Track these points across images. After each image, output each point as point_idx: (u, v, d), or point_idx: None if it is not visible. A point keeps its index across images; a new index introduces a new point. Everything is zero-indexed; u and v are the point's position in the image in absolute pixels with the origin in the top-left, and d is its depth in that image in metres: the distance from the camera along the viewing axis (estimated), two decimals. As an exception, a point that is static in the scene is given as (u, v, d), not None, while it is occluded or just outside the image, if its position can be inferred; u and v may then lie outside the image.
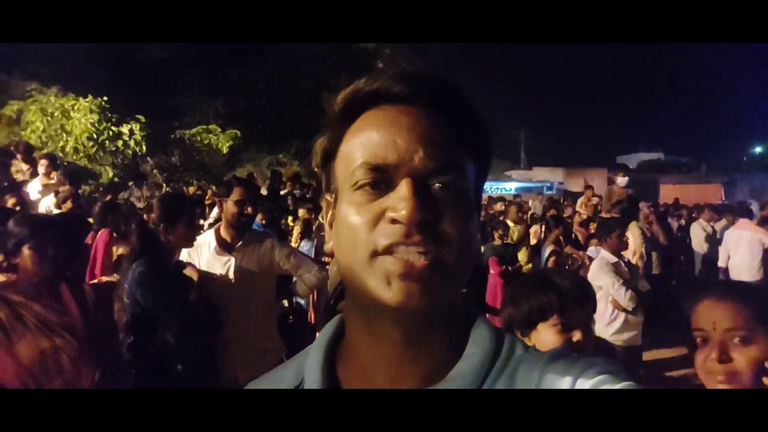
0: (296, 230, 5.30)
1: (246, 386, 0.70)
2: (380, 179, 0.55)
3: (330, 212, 0.64)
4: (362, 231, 0.55)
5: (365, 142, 0.57)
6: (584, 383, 0.55)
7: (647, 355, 4.98)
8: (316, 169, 0.66)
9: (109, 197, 6.18)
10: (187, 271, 2.68)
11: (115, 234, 4.01)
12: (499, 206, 9.87)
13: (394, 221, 0.53)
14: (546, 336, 1.51)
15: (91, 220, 4.21)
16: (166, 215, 2.63)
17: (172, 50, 13.15)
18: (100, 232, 4.06)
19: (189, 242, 2.73)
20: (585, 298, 1.55)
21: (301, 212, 5.33)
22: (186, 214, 2.66)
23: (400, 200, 0.53)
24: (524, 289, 1.59)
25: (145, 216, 2.96)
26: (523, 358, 0.60)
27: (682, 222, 9.58)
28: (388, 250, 0.53)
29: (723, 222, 8.62)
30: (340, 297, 3.24)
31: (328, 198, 0.64)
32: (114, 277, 3.15)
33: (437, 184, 0.55)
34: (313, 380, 0.62)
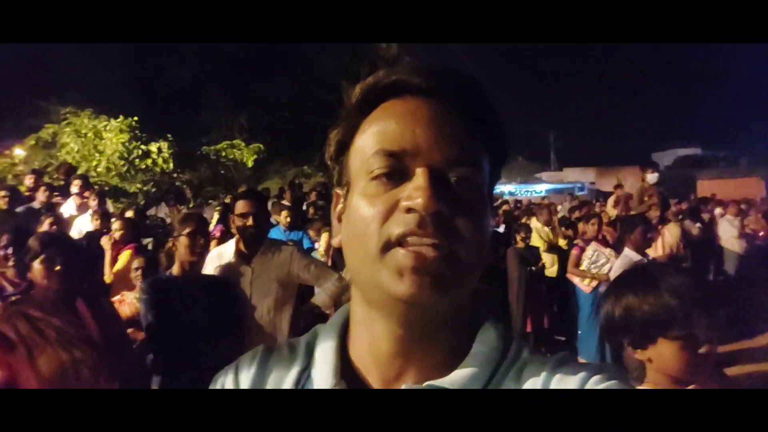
0: (323, 243, 5.30)
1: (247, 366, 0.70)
2: (396, 168, 0.54)
3: (339, 206, 0.62)
4: (375, 222, 0.53)
5: (382, 130, 0.56)
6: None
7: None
8: (328, 162, 0.64)
9: (130, 212, 6.32)
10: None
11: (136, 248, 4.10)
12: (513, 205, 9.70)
13: (409, 210, 0.51)
14: (667, 352, 1.25)
15: (115, 233, 4.31)
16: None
17: (196, 69, 13.51)
18: (123, 247, 4.17)
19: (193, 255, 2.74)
20: (716, 304, 1.28)
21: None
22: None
23: (416, 189, 0.51)
24: (631, 293, 1.31)
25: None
26: (530, 361, 0.59)
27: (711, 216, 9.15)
28: (401, 241, 0.51)
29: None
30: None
31: (339, 191, 0.62)
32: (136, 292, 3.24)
33: (454, 178, 0.54)
34: (326, 362, 0.61)
